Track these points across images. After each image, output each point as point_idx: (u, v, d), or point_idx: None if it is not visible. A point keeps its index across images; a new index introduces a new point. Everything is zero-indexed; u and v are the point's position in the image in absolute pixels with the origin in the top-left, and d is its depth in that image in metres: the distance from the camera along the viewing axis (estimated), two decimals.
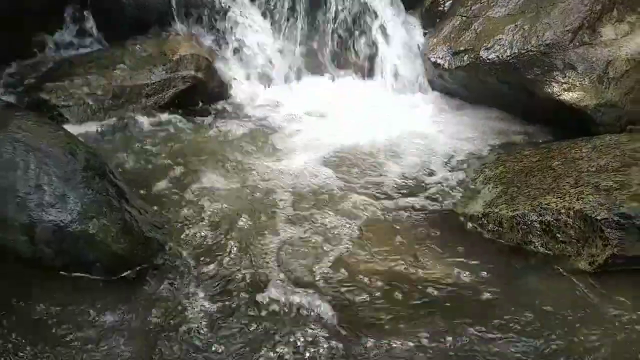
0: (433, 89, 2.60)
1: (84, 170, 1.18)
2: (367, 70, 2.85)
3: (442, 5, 2.82)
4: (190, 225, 1.40)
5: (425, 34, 2.87)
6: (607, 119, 1.86)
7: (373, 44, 2.85)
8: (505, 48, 2.06)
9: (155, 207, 1.49)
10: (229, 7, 2.80)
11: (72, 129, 2.04)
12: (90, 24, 2.82)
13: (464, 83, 2.35)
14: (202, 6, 2.76)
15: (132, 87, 2.35)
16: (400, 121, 2.41)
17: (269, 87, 2.77)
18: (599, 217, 1.24)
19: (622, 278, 1.21)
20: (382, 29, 2.83)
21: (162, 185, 1.72)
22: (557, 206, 1.32)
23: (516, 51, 2.00)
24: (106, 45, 2.77)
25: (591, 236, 1.25)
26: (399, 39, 2.82)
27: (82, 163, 1.19)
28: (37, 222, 1.11)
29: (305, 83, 2.82)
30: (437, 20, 2.78)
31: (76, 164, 1.18)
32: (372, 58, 2.84)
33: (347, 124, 2.37)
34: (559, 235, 1.29)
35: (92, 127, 2.18)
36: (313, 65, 2.88)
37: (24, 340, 0.99)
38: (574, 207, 1.28)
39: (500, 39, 2.10)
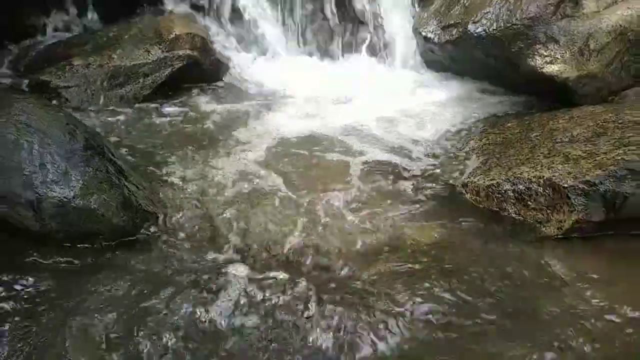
0: (425, 62, 2.64)
1: (83, 150, 1.27)
2: (362, 47, 2.89)
3: None
4: (184, 200, 1.49)
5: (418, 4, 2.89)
6: (589, 90, 1.91)
7: (363, 21, 2.88)
8: (492, 22, 2.10)
9: (152, 178, 1.58)
10: None
11: (73, 110, 2.14)
12: (87, 3, 2.86)
13: (453, 56, 2.39)
14: None
15: (130, 67, 2.41)
16: (392, 95, 2.47)
17: (265, 64, 2.82)
18: (565, 185, 1.32)
19: (584, 244, 1.30)
20: (377, 5, 2.86)
21: (158, 163, 1.80)
22: (529, 175, 1.40)
23: (502, 25, 2.04)
24: (102, 25, 2.82)
25: (559, 203, 1.33)
26: (392, 14, 2.86)
27: (81, 143, 1.28)
28: (42, 198, 1.21)
29: (299, 59, 2.88)
30: None
31: (76, 144, 1.27)
32: (365, 34, 2.88)
33: (340, 101, 2.43)
34: (530, 203, 1.38)
35: (91, 107, 2.25)
36: (310, 42, 2.92)
37: (33, 308, 1.10)
38: (544, 176, 1.36)
39: (487, 12, 2.14)
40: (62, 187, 1.21)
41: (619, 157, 1.30)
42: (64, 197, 1.22)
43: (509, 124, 1.87)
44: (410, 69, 2.73)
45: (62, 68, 2.35)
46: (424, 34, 2.42)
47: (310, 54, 2.89)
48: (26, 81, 2.34)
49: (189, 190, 1.59)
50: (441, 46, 2.35)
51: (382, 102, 2.36)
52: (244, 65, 2.75)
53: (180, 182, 1.67)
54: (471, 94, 2.39)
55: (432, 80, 2.58)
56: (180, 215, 1.41)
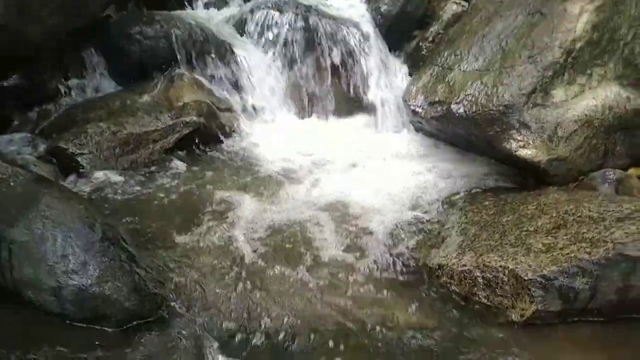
0: (414, 128, 2.84)
1: (101, 241, 1.46)
2: (355, 110, 3.11)
3: (423, 50, 3.08)
4: (192, 278, 1.66)
5: (409, 74, 3.13)
6: (560, 171, 2.10)
7: (360, 85, 3.10)
8: (472, 104, 2.29)
9: (160, 259, 1.75)
10: (230, 49, 3.06)
11: (86, 176, 2.33)
12: (103, 68, 3.09)
13: (439, 129, 2.59)
14: (204, 50, 3.02)
15: (141, 134, 2.61)
16: (381, 162, 2.66)
17: (267, 127, 3.03)
18: (526, 278, 1.49)
19: (547, 330, 1.46)
20: (369, 71, 3.09)
21: (165, 235, 1.98)
22: (496, 264, 1.57)
23: (480, 109, 2.23)
24: (118, 88, 3.04)
25: (521, 292, 1.50)
26: (383, 80, 3.08)
27: (99, 234, 1.47)
28: (63, 286, 1.39)
29: (299, 121, 3.08)
30: (420, 64, 3.03)
31: (94, 236, 1.45)
32: (359, 98, 3.10)
33: (332, 165, 2.61)
34: (497, 290, 1.54)
35: (104, 174, 2.43)
36: (310, 104, 3.13)
37: None
38: (509, 267, 1.53)
39: (468, 94, 2.33)
40: (81, 276, 1.39)
41: (572, 255, 1.48)
42: (82, 285, 1.39)
43: (487, 202, 2.05)
44: (400, 134, 2.93)
45: (78, 135, 2.54)
46: (412, 107, 2.62)
47: (308, 117, 3.10)
48: (45, 147, 2.54)
49: (194, 266, 1.76)
50: (427, 121, 2.55)
51: (370, 169, 2.54)
52: (247, 129, 2.96)
53: (186, 256, 1.84)
54: (456, 163, 2.57)
55: (420, 147, 2.77)
56: (187, 296, 1.58)
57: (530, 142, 2.04)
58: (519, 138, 2.07)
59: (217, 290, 1.63)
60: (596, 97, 2.09)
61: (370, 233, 1.98)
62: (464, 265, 1.63)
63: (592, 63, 2.16)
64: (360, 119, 3.06)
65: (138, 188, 2.34)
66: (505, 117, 2.12)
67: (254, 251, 1.81)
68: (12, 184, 1.62)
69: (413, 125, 2.81)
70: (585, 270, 1.43)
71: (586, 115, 2.04)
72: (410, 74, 3.11)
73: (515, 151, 2.07)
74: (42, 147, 2.59)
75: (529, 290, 1.47)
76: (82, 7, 2.83)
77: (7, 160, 1.71)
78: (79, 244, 1.43)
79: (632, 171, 2.15)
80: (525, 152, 2.05)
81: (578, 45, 2.11)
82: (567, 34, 2.12)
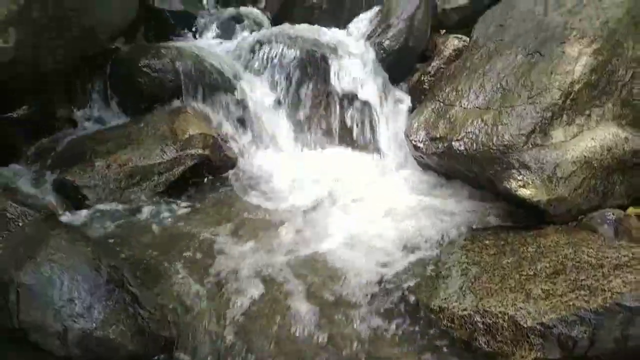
0: (416, 162, 2.87)
1: (106, 284, 1.49)
2: (358, 143, 3.15)
3: (425, 84, 3.13)
4: (194, 317, 1.68)
5: (411, 107, 3.17)
6: (559, 211, 2.12)
7: (363, 118, 3.15)
8: (472, 142, 2.33)
9: (163, 297, 1.77)
10: (235, 82, 3.12)
11: (92, 208, 2.37)
12: (110, 99, 3.15)
13: (440, 164, 2.62)
14: (210, 83, 3.09)
15: (146, 167, 2.65)
16: (378, 196, 2.68)
17: (271, 158, 3.07)
18: (525, 325, 1.50)
19: None
20: (371, 104, 3.14)
21: (170, 271, 2.00)
22: (496, 310, 1.58)
23: (480, 147, 2.27)
24: (125, 119, 3.09)
25: (521, 340, 1.51)
26: (386, 113, 3.12)
27: (104, 277, 1.50)
28: (68, 330, 1.41)
29: (302, 154, 3.12)
30: (422, 97, 3.08)
31: (100, 279, 1.49)
32: (361, 131, 3.14)
33: (333, 200, 2.64)
34: (497, 336, 1.56)
35: (109, 206, 2.47)
36: (313, 138, 3.18)
37: None
38: (508, 313, 1.55)
39: (469, 132, 2.37)
40: (86, 320, 1.42)
41: (571, 302, 1.49)
42: (87, 329, 1.42)
43: (487, 241, 2.07)
44: (402, 168, 2.96)
45: (84, 168, 2.58)
46: (414, 142, 2.65)
47: (311, 150, 3.14)
48: (53, 179, 2.58)
49: (196, 305, 1.78)
50: (429, 156, 2.58)
51: (371, 204, 2.55)
52: (251, 161, 3.00)
53: (188, 295, 1.86)
54: (457, 198, 2.59)
55: (421, 181, 2.79)
56: (189, 336, 1.60)
57: (530, 182, 2.07)
58: (519, 178, 2.10)
59: (217, 331, 1.65)
60: (595, 138, 2.12)
61: (370, 272, 2.00)
62: (465, 310, 1.64)
63: (590, 104, 2.20)
64: (362, 152, 3.10)
65: (142, 221, 2.37)
66: (505, 157, 2.15)
67: (254, 292, 1.83)
68: (20, 224, 1.66)
69: (415, 159, 2.84)
70: (584, 319, 1.44)
71: (585, 156, 2.07)
72: (413, 107, 3.15)
73: (515, 191, 2.10)
74: (49, 179, 2.63)
75: (528, 337, 1.49)
76: (92, 39, 2.90)
77: (16, 200, 1.74)
78: (85, 287, 1.46)
79: (630, 210, 2.17)
80: (525, 192, 2.07)
81: (576, 87, 2.15)
82: (566, 76, 2.17)
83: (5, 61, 2.38)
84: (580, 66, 2.16)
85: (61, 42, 2.67)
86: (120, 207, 2.47)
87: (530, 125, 2.14)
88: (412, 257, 2.12)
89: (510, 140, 2.16)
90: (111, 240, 2.10)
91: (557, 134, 2.14)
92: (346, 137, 3.15)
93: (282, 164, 3.02)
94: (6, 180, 2.50)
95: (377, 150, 3.07)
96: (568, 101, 2.16)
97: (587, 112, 2.19)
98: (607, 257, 1.62)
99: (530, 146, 2.13)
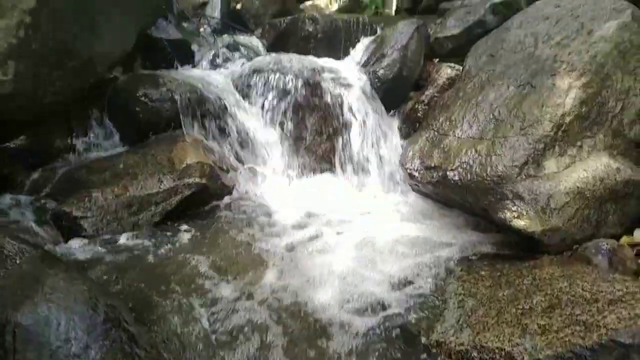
0: (412, 189, 2.90)
1: (103, 323, 1.49)
2: (354, 170, 3.18)
3: (419, 112, 3.18)
4: (190, 357, 1.68)
5: (406, 134, 3.21)
6: (554, 241, 2.14)
7: (358, 146, 3.18)
8: (466, 172, 2.36)
9: (160, 333, 1.77)
10: (232, 110, 3.16)
11: (88, 239, 2.37)
12: (108, 128, 3.18)
13: (436, 192, 2.64)
14: (207, 111, 3.12)
15: (144, 197, 2.66)
16: (374, 224, 2.69)
17: (266, 186, 3.09)
18: None
19: None
20: (367, 131, 3.18)
21: (166, 305, 1.99)
22: (492, 345, 1.59)
23: (475, 177, 2.30)
24: (123, 147, 3.12)
25: None
26: (381, 140, 3.16)
27: (101, 317, 1.50)
28: None
29: (298, 182, 3.15)
30: (416, 125, 3.12)
31: (97, 319, 1.48)
32: (358, 159, 3.18)
33: (328, 230, 2.65)
34: None
35: (105, 238, 2.47)
36: (308, 165, 3.21)
37: None
38: (505, 349, 1.56)
39: (463, 162, 2.41)
40: None
41: (567, 339, 1.50)
42: None
43: (483, 272, 2.08)
44: (398, 195, 2.99)
45: (82, 199, 2.59)
46: (409, 171, 2.69)
47: (307, 178, 3.16)
48: (49, 211, 2.59)
49: (191, 342, 1.77)
50: (424, 185, 2.61)
51: (367, 233, 2.55)
52: (248, 190, 3.02)
53: (184, 331, 1.85)
54: (453, 227, 2.61)
55: (417, 209, 2.82)
56: None
57: (524, 213, 2.09)
58: (513, 209, 2.13)
59: None
60: (587, 169, 2.15)
61: (366, 305, 2.00)
62: (462, 344, 1.65)
63: (581, 135, 2.24)
64: (359, 179, 3.12)
65: (139, 252, 2.37)
66: (499, 188, 2.18)
67: (242, 339, 1.82)
68: (18, 261, 1.66)
69: (410, 186, 2.87)
70: (580, 356, 1.45)
71: (577, 187, 2.10)
72: (408, 134, 3.19)
73: (510, 221, 2.12)
74: (47, 209, 2.64)
75: None
76: (91, 69, 2.94)
77: (13, 236, 1.74)
78: (82, 327, 1.45)
79: (624, 239, 2.20)
80: (519, 223, 2.10)
81: (567, 119, 2.19)
82: (557, 109, 2.21)
83: (4, 93, 2.40)
84: (570, 99, 2.21)
85: (60, 74, 2.70)
86: (117, 237, 2.48)
87: (523, 156, 2.18)
88: (409, 288, 2.12)
89: (504, 171, 2.19)
90: (107, 275, 2.10)
91: (550, 165, 2.18)
92: (341, 165, 3.18)
93: (277, 191, 3.04)
94: (3, 211, 2.50)
95: (372, 177, 3.09)
96: (560, 133, 2.20)
97: (579, 143, 2.23)
98: (602, 292, 1.64)
99: (524, 177, 2.16)
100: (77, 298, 1.52)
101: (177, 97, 3.06)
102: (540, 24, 2.63)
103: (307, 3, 6.16)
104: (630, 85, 2.28)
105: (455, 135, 2.59)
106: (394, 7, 5.33)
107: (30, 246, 1.73)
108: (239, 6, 4.81)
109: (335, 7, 6.02)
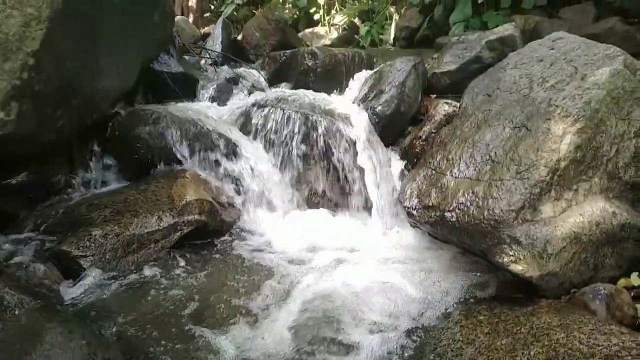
0: (410, 225, 2.91)
1: None
2: (353, 206, 3.20)
3: (417, 147, 3.21)
4: None
5: (405, 169, 3.24)
6: (551, 285, 2.15)
7: (357, 181, 3.21)
8: (464, 214, 2.38)
9: None
10: (233, 146, 3.19)
11: (87, 278, 2.37)
12: (109, 164, 3.20)
13: (435, 231, 2.66)
14: (207, 147, 3.15)
15: (143, 235, 2.67)
16: (371, 263, 2.69)
17: (266, 221, 3.11)
18: None
19: None
20: (366, 166, 3.20)
21: (162, 348, 1.99)
22: None
23: (472, 220, 2.32)
24: (123, 183, 3.13)
25: None
26: (380, 175, 3.19)
27: None
28: None
29: (296, 217, 3.16)
30: (414, 160, 3.15)
31: None
32: (356, 194, 3.20)
33: (325, 267, 2.65)
34: None
35: (104, 277, 2.48)
36: (307, 200, 3.23)
37: None
38: None
39: (460, 203, 2.42)
40: None
41: None
42: None
43: (481, 317, 2.08)
44: (396, 232, 3.00)
45: (81, 238, 2.59)
46: (407, 209, 2.70)
47: (308, 213, 3.18)
48: (48, 251, 2.59)
49: None
50: (422, 224, 2.62)
51: (363, 272, 2.55)
52: (248, 225, 3.03)
53: None
54: (451, 266, 2.61)
55: (415, 247, 2.82)
56: None
57: (522, 258, 2.10)
58: (510, 253, 2.14)
59: None
60: (583, 213, 2.17)
61: (360, 349, 2.00)
62: None
63: (577, 178, 2.26)
64: (357, 215, 3.14)
65: (137, 291, 2.37)
66: (497, 232, 2.19)
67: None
68: (17, 312, 1.67)
69: (409, 222, 2.88)
70: None
71: (574, 232, 2.12)
72: (406, 169, 3.22)
73: (507, 265, 2.13)
74: (46, 246, 2.64)
75: None
76: (93, 106, 2.98)
77: (13, 286, 1.75)
78: None
79: (622, 282, 2.21)
80: (517, 268, 2.11)
81: (563, 164, 2.22)
82: (552, 154, 2.24)
83: (6, 133, 2.43)
84: (565, 144, 2.24)
85: (63, 112, 2.73)
86: (116, 276, 2.48)
87: (520, 200, 2.20)
88: (406, 333, 2.12)
89: (501, 215, 2.21)
90: (105, 319, 2.09)
91: (546, 210, 2.19)
92: (339, 200, 3.20)
93: (277, 226, 3.05)
94: (5, 249, 2.51)
95: (370, 213, 3.11)
96: (555, 177, 2.23)
97: (575, 186, 2.25)
98: (599, 345, 1.65)
99: (521, 221, 2.18)
100: (75, 354, 1.53)
101: (177, 132, 3.10)
102: (535, 66, 2.67)
103: (307, 31, 6.26)
104: (624, 129, 2.31)
105: (452, 175, 2.61)
106: (392, 37, 5.42)
107: (29, 296, 1.74)
108: (239, 37, 4.89)
109: (334, 35, 6.12)
